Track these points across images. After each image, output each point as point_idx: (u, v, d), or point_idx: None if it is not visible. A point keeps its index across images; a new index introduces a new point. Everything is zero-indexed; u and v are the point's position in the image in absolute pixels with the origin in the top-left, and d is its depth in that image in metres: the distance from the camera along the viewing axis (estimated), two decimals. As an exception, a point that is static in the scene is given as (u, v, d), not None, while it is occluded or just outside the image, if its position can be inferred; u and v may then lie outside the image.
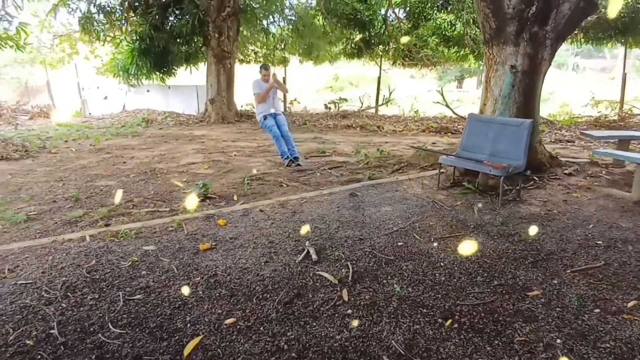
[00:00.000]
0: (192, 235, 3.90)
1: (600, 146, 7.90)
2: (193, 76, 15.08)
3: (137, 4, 11.60)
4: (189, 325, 2.54)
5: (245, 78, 16.84)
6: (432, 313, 2.64)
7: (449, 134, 10.48)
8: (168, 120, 13.06)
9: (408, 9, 12.61)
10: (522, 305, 2.71)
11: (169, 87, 14.72)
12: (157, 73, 13.01)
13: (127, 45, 12.44)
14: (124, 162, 7.31)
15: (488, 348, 2.31)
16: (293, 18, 14.13)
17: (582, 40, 12.03)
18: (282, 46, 16.21)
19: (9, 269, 3.26)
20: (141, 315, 2.64)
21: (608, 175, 5.65)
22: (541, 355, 2.24)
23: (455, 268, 3.21)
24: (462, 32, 12.69)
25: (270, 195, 5.20)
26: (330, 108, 14.91)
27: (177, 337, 2.42)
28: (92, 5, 10.88)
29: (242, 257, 3.43)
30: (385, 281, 3.03)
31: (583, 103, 13.35)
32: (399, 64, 16.33)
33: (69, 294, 2.90)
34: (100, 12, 11.21)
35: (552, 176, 5.51)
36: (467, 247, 3.51)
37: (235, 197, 5.13)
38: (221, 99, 12.14)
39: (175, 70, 13.47)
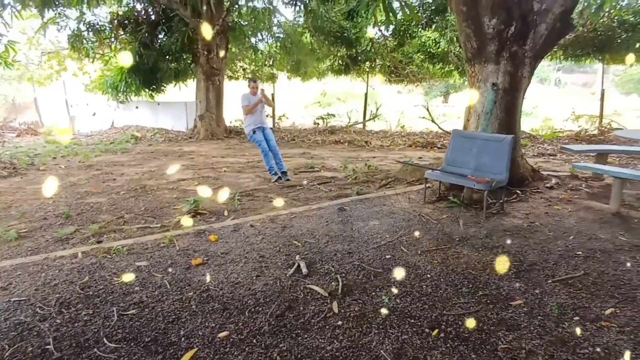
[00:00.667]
0: (184, 251, 3.96)
1: (581, 160, 8.14)
2: (182, 93, 15.20)
3: (126, 22, 11.73)
4: (183, 338, 2.60)
5: (234, 94, 17.03)
6: (419, 323, 2.73)
7: (435, 148, 10.69)
8: (157, 136, 13.10)
9: (393, 27, 12.92)
10: (506, 314, 2.82)
11: (158, 104, 14.79)
12: (147, 90, 13.09)
13: (115, 63, 12.53)
14: (114, 179, 7.34)
15: (473, 356, 2.41)
16: (281, 35, 14.37)
17: (562, 57, 12.45)
18: (271, 63, 16.44)
19: (1, 287, 3.28)
20: (135, 329, 2.69)
21: (588, 188, 5.85)
22: (522, 359, 2.35)
23: (442, 279, 3.32)
24: (446, 49, 13.03)
25: (260, 210, 5.28)
26: (318, 124, 15.09)
27: (171, 351, 2.48)
28: (82, 23, 10.97)
29: (234, 272, 3.50)
30: (374, 293, 3.12)
31: (565, 117, 13.73)
32: (386, 80, 16.65)
33: (63, 310, 2.93)
34: (90, 30, 11.31)
35: (534, 189, 5.69)
36: (453, 260, 3.62)
37: (225, 213, 5.19)
38: (210, 116, 12.24)
39: (164, 87, 13.58)
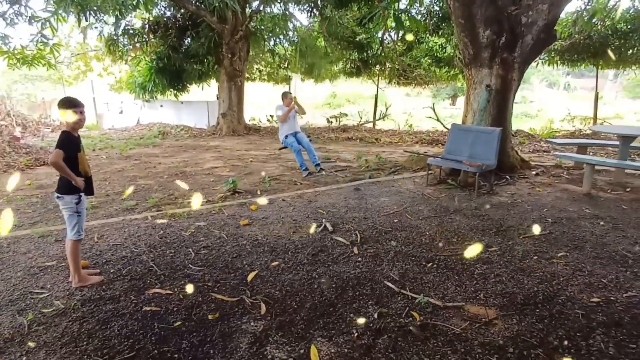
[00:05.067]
0: (232, 216, 4.96)
1: (567, 152, 9.03)
2: (203, 93, 16.27)
3: (156, 27, 12.81)
4: (246, 266, 3.59)
5: (251, 95, 18.07)
6: (418, 260, 3.70)
7: (440, 144, 11.61)
8: (182, 133, 14.17)
9: (403, 32, 13.85)
10: (483, 255, 3.78)
11: (182, 103, 15.86)
12: (172, 89, 14.16)
13: (145, 64, 13.62)
14: (154, 167, 8.36)
15: (456, 277, 3.37)
16: (296, 39, 15.39)
17: (559, 62, 13.33)
18: (286, 65, 17.47)
19: (97, 237, 4.30)
20: (210, 260, 3.69)
21: (568, 175, 6.77)
22: (491, 281, 3.30)
23: (437, 235, 4.28)
24: (451, 54, 13.96)
25: (287, 191, 6.26)
26: (331, 122, 16.07)
27: (240, 272, 3.47)
28: (118, 28, 12.06)
29: (275, 229, 4.49)
30: (384, 242, 4.09)
31: (561, 118, 14.58)
32: (394, 82, 17.61)
33: (152, 250, 3.94)
34: (125, 34, 12.41)
35: (521, 176, 6.63)
36: (447, 224, 4.59)
37: (259, 192, 6.18)
38: (232, 113, 13.28)
39: (189, 87, 14.65)
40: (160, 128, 14.97)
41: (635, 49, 12.02)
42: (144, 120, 17.28)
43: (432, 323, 2.72)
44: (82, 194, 3.20)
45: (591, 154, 8.13)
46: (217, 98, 14.51)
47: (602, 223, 4.58)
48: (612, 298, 3.02)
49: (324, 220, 4.72)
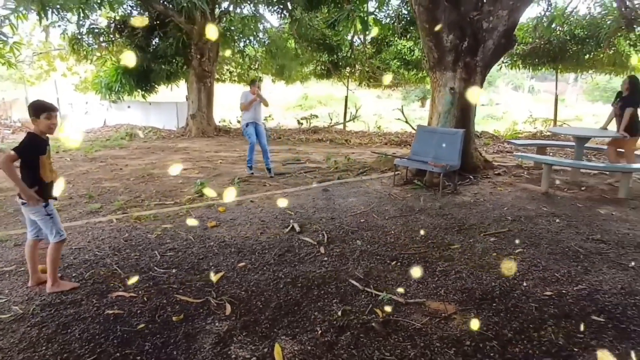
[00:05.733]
0: (199, 218, 4.93)
1: (527, 152, 9.38)
2: (172, 93, 16.03)
3: (123, 26, 12.56)
4: (212, 267, 3.59)
5: (221, 96, 17.91)
6: (383, 258, 3.79)
7: (408, 146, 11.83)
8: (150, 134, 13.92)
9: (372, 36, 14.03)
10: (445, 253, 3.91)
11: (150, 104, 15.57)
12: (140, 90, 13.89)
13: (112, 64, 13.32)
14: (121, 169, 8.19)
15: (419, 274, 3.47)
16: (266, 41, 15.36)
17: (521, 66, 13.81)
18: (256, 66, 17.41)
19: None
20: (176, 262, 3.68)
21: (528, 175, 7.04)
22: (451, 277, 3.42)
23: (402, 234, 4.39)
24: (419, 57, 14.23)
25: (256, 192, 6.27)
26: (302, 124, 16.12)
27: (205, 274, 3.47)
28: (82, 27, 11.75)
29: (242, 230, 4.50)
30: (350, 242, 4.17)
31: (523, 120, 15.10)
32: (364, 84, 17.81)
33: (116, 253, 3.89)
34: (90, 34, 12.10)
35: (484, 176, 6.85)
36: (412, 223, 4.71)
37: (227, 194, 6.15)
38: (201, 115, 13.15)
39: (157, 87, 14.40)
40: (127, 129, 14.67)
41: (592, 53, 12.58)
42: (110, 121, 16.88)
43: (394, 319, 2.80)
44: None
45: (550, 154, 8.47)
46: (186, 99, 14.34)
47: (557, 220, 4.80)
48: (563, 291, 3.18)
49: (291, 221, 4.76)
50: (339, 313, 2.86)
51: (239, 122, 15.56)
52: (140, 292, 3.14)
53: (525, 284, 3.29)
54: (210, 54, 12.86)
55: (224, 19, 13.19)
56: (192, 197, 5.86)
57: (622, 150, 6.61)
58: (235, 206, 5.44)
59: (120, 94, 13.78)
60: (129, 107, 16.14)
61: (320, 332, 2.65)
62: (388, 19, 13.09)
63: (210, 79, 13.33)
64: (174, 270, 3.51)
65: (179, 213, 5.11)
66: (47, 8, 10.28)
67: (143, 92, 14.12)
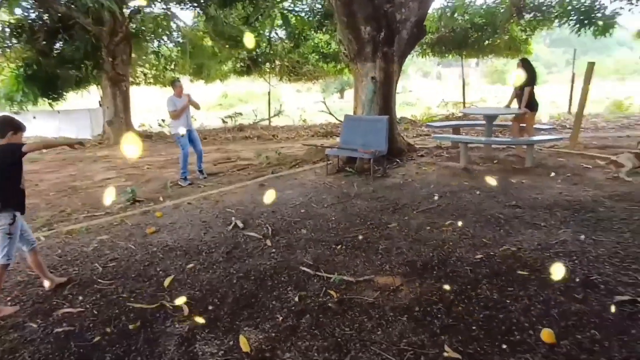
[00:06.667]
0: (137, 225, 4.79)
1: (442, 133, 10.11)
2: (84, 100, 15.03)
3: (20, 30, 11.51)
4: (160, 272, 3.55)
5: (138, 100, 17.08)
6: (328, 244, 3.96)
7: (334, 136, 12.17)
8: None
9: (289, 30, 14.14)
10: (385, 232, 4.18)
11: (59, 112, 14.46)
12: (46, 99, 12.86)
13: (11, 72, 12.17)
14: (37, 185, 7.59)
15: (363, 255, 3.69)
16: (181, 40, 14.89)
17: (430, 53, 14.74)
18: (172, 67, 16.80)
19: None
20: (121, 272, 3.58)
21: (448, 154, 7.63)
22: (394, 253, 3.68)
23: (342, 219, 4.60)
24: (337, 49, 14.61)
25: (191, 194, 6.17)
26: (227, 122, 15.87)
27: (155, 279, 3.42)
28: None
29: (185, 233, 4.46)
30: (295, 232, 4.30)
31: (437, 104, 16.16)
32: (285, 79, 17.91)
33: (52, 270, 3.68)
34: (-20, 39, 10.97)
35: (409, 158, 7.30)
36: (350, 208, 4.94)
37: (161, 199, 6.00)
38: (119, 120, 12.48)
39: (65, 95, 13.40)
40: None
41: (490, 40, 13.73)
42: (13, 135, 15.41)
43: (348, 297, 2.99)
44: (18, 214, 3.05)
45: (464, 134, 9.19)
46: (100, 105, 13.53)
47: (478, 192, 5.29)
48: (491, 253, 3.57)
49: (233, 218, 4.78)
50: (296, 299, 2.99)
51: (160, 125, 15.02)
52: (88, 306, 3.04)
53: (458, 251, 3.64)
54: (124, 57, 12.23)
55: (135, 18, 12.59)
56: (124, 206, 5.64)
57: (524, 125, 7.37)
58: (172, 210, 5.33)
59: (24, 104, 12.67)
60: (34, 117, 14.85)
61: (281, 318, 2.76)
62: (303, 14, 13.27)
63: (126, 83, 12.69)
64: (120, 280, 3.42)
65: (113, 223, 4.92)
66: None
67: (50, 101, 13.08)
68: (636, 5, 9.40)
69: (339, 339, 2.52)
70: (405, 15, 6.82)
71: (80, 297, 3.16)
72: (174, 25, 14.37)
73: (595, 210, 4.47)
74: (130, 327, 2.74)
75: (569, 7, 9.98)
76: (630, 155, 6.01)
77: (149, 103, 20.58)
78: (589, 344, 2.37)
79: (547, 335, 2.41)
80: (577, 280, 3.05)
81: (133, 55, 13.64)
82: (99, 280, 3.44)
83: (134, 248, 4.10)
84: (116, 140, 12.35)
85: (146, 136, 13.58)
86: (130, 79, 14.81)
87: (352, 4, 6.63)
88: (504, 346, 2.38)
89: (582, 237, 3.77)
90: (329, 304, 2.90)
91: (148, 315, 2.87)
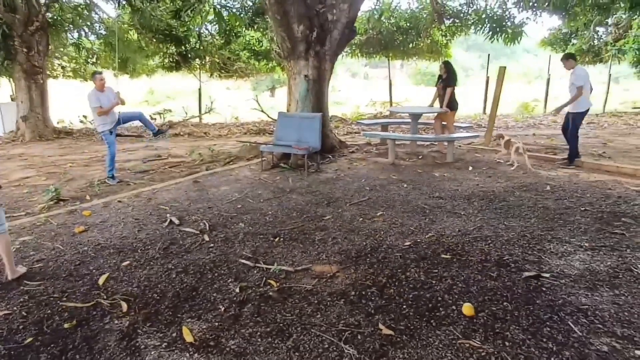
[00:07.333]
0: (63, 225, 4.57)
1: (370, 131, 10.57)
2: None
3: None
4: (94, 270, 3.45)
5: (56, 94, 15.92)
6: (266, 236, 4.07)
7: (267, 134, 12.24)
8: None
9: (222, 26, 13.91)
10: (320, 224, 4.36)
11: (-39, 108, 13.12)
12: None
13: None
14: (-61, 185, 6.92)
15: (301, 245, 3.84)
16: (104, 32, 14.13)
17: (359, 54, 15.26)
18: (94, 60, 15.88)
19: None
20: (50, 272, 3.43)
21: (377, 150, 8.02)
22: (329, 243, 3.87)
23: (278, 213, 4.72)
24: (268, 47, 14.65)
25: (121, 192, 5.96)
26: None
27: (88, 278, 3.33)
28: None
29: (117, 231, 4.34)
30: (232, 226, 4.35)
31: (365, 104, 16.77)
32: (216, 75, 17.60)
33: (-30, 274, 3.44)
34: None
35: (341, 154, 7.59)
36: (286, 202, 5.07)
37: (88, 197, 5.74)
38: (35, 116, 11.56)
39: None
40: None
41: (414, 43, 14.50)
42: None
43: (288, 286, 3.12)
44: None
45: (392, 131, 9.68)
46: (12, 99, 12.48)
47: (405, 185, 5.66)
48: (418, 240, 3.87)
49: (168, 215, 4.72)
50: (237, 290, 3.07)
51: (82, 122, 14.18)
52: (15, 308, 2.90)
53: (389, 239, 3.91)
54: (40, 48, 11.37)
55: (53, 7, 11.74)
56: (47, 205, 5.33)
57: (445, 122, 7.94)
58: (102, 209, 5.14)
59: None
60: None
61: (223, 309, 2.83)
62: (235, 10, 13.14)
63: (42, 76, 11.79)
64: (50, 281, 3.29)
65: (36, 223, 4.65)
66: None
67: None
68: (540, 16, 10.45)
69: (281, 324, 2.65)
70: (337, 15, 7.06)
71: (5, 300, 3.01)
72: (95, 17, 13.61)
73: (507, 199, 4.99)
74: (66, 326, 2.67)
75: (484, 16, 10.85)
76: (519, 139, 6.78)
77: (68, 98, 19.25)
78: (502, 314, 2.70)
79: (467, 309, 2.72)
80: (492, 260, 3.42)
81: (50, 46, 12.72)
82: (25, 282, 3.28)
83: (62, 248, 3.93)
84: (32, 137, 11.50)
85: (66, 133, 12.75)
86: (47, 72, 13.81)
87: (286, 3, 6.76)
88: (432, 321, 2.65)
89: (496, 222, 4.21)
90: (270, 293, 3.02)
91: (84, 314, 2.81)
